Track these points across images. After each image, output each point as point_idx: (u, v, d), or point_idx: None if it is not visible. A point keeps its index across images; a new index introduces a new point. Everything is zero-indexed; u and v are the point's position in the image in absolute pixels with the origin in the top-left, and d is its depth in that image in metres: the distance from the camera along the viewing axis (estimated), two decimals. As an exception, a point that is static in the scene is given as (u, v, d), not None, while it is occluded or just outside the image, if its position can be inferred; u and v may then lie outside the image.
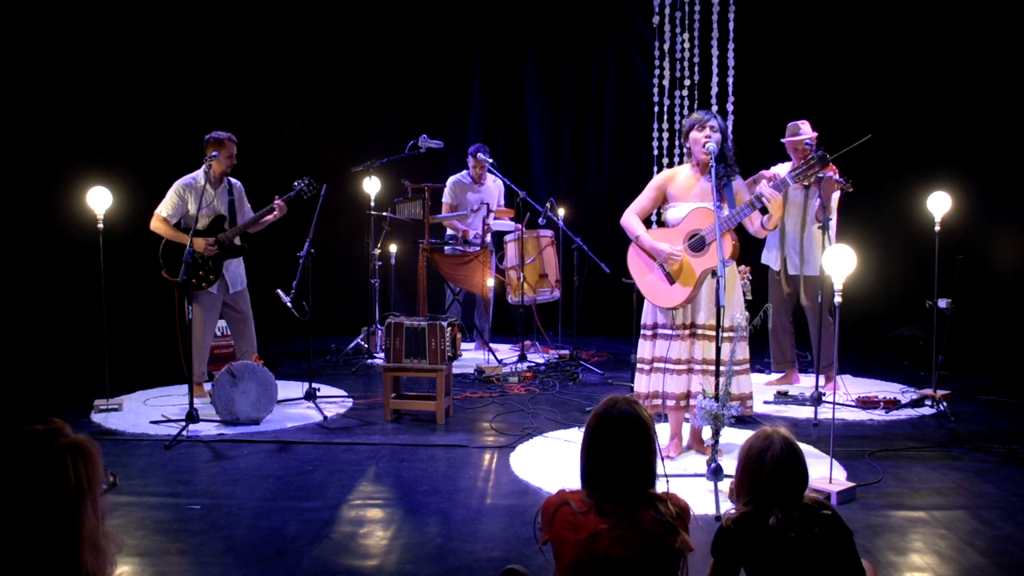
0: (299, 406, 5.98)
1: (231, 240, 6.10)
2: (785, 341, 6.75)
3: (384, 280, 8.16)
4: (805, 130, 6.37)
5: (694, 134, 4.69)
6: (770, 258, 6.71)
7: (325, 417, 5.72)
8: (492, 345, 7.83)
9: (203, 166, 6.02)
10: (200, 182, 6.05)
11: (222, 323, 6.71)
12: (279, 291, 5.91)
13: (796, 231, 6.49)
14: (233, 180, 6.25)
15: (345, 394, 6.40)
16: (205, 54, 8.66)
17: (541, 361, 7.54)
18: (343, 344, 8.08)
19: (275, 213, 6.11)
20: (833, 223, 6.45)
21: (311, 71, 9.13)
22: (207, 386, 6.02)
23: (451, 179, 8.05)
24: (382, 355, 6.56)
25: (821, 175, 5.84)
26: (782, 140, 6.47)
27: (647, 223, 5.00)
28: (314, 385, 6.03)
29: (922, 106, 8.63)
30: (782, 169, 6.43)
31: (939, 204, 6.02)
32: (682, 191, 4.73)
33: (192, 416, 5.42)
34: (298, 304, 5.79)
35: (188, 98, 8.51)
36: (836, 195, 6.19)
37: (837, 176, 6.12)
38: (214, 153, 5.99)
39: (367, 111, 9.20)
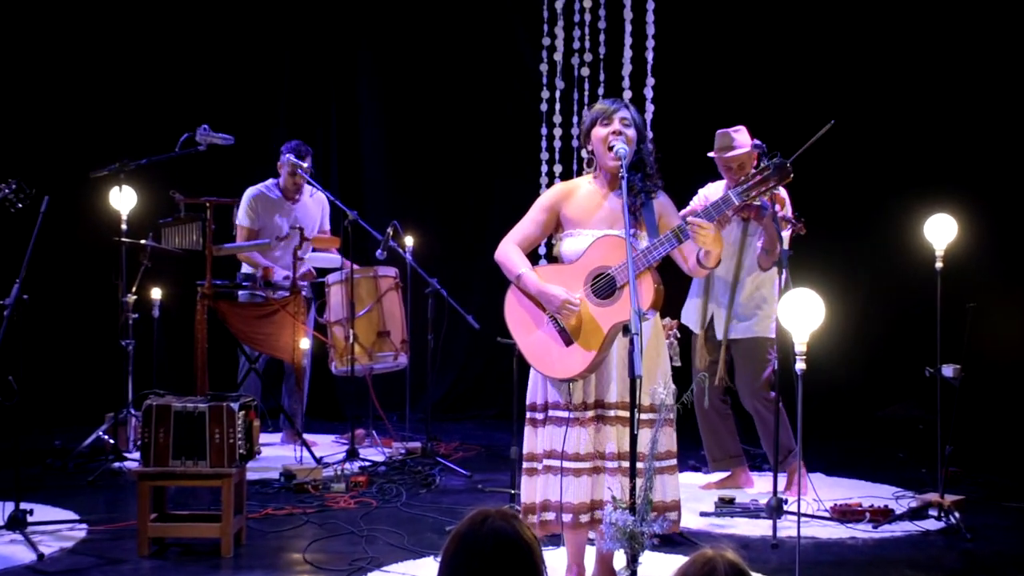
0: (-1, 538, 5.76)
1: None
2: (721, 429, 6.91)
3: (143, 341, 8.00)
4: (741, 142, 6.56)
5: (597, 131, 4.77)
6: (690, 316, 6.90)
7: (40, 556, 5.51)
8: (307, 436, 7.82)
9: None
10: None
11: None
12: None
13: (728, 280, 6.70)
14: None
15: (76, 518, 6.22)
16: None
17: (380, 459, 7.60)
18: (75, 440, 7.83)
19: None
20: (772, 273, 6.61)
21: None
22: None
23: (250, 192, 8.09)
24: (137, 455, 6.37)
25: (758, 203, 5.97)
26: (709, 155, 6.67)
27: (534, 258, 5.05)
28: (24, 506, 5.81)
29: (913, 99, 9.03)
30: (714, 191, 6.65)
31: (941, 231, 6.23)
32: (582, 213, 4.80)
33: None
34: (1, 380, 5.62)
35: None
36: (786, 234, 6.34)
37: (787, 211, 6.31)
38: None
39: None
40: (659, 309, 4.69)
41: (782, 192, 6.40)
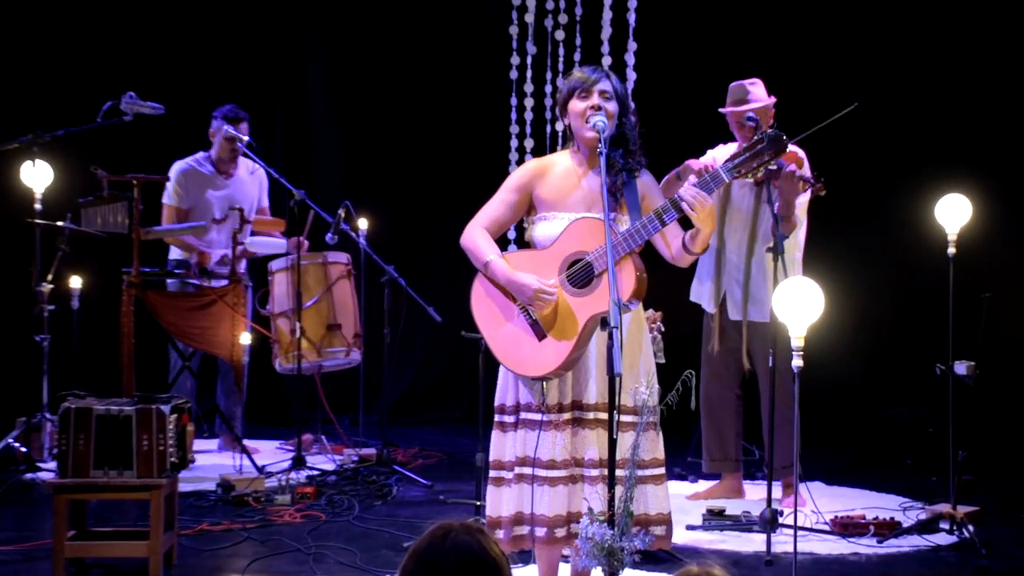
0: None
1: None
2: (727, 426, 6.95)
3: (60, 336, 7.99)
4: (757, 95, 6.57)
5: (575, 104, 4.78)
6: (702, 293, 6.90)
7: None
8: (248, 442, 7.82)
9: None
10: None
11: None
12: None
13: (742, 253, 6.70)
14: None
15: (-18, 536, 6.19)
16: None
17: (330, 467, 7.60)
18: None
19: None
20: (797, 243, 6.66)
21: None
22: None
23: (177, 167, 8.05)
24: (53, 465, 6.32)
25: (774, 166, 5.99)
26: (721, 110, 6.65)
27: (503, 244, 5.04)
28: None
29: (923, 71, 9.09)
30: (723, 154, 6.59)
31: (954, 212, 6.28)
32: (558, 194, 4.82)
33: None
34: None
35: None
36: (803, 199, 6.38)
37: (805, 170, 6.31)
38: None
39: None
40: (642, 299, 4.68)
41: (799, 151, 6.44)
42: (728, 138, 6.77)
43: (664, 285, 7.16)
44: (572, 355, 4.62)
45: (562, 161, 4.88)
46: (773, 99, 6.56)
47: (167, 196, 8.00)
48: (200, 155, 8.11)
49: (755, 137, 4.57)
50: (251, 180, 8.27)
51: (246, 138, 7.87)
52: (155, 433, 5.51)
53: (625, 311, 4.36)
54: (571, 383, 4.72)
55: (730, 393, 6.91)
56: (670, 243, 4.74)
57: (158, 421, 5.52)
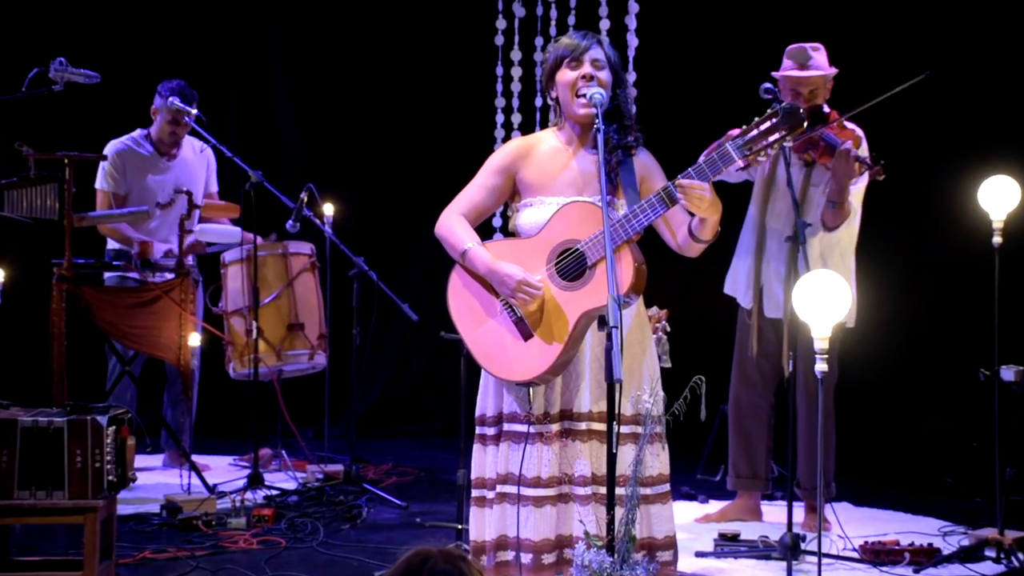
0: None
1: None
2: (758, 440, 6.94)
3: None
4: (819, 62, 6.53)
5: (564, 74, 4.83)
6: (737, 285, 6.87)
7: None
8: (197, 458, 7.79)
9: None
10: None
11: None
12: None
13: (784, 243, 6.59)
14: None
15: None
16: None
17: (291, 486, 7.59)
18: None
19: None
20: (851, 236, 6.69)
21: None
22: None
23: (112, 146, 8.02)
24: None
25: (827, 137, 6.00)
26: (775, 74, 6.58)
27: (487, 234, 5.16)
28: None
29: (964, 41, 9.04)
30: None
31: (999, 196, 6.27)
32: (544, 176, 4.87)
33: None
34: None
35: None
36: (860, 184, 6.39)
37: (863, 151, 6.31)
38: None
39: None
40: (641, 293, 4.72)
41: (858, 130, 6.45)
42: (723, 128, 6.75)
43: (669, 278, 7.18)
44: (562, 357, 4.66)
45: (548, 140, 4.95)
46: (834, 70, 6.53)
47: (100, 180, 7.94)
48: (138, 133, 8.06)
49: (770, 110, 4.60)
50: (198, 161, 8.23)
51: (194, 110, 7.76)
52: (90, 448, 5.44)
53: (624, 307, 4.38)
54: (559, 390, 4.77)
55: (763, 402, 6.89)
56: (676, 230, 4.80)
57: (94, 434, 5.46)
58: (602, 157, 4.53)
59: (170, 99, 7.81)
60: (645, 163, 4.87)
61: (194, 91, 7.97)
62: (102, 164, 7.90)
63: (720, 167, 4.59)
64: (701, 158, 4.67)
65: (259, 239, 7.71)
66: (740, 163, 4.62)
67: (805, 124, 4.63)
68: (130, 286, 7.68)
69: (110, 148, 7.99)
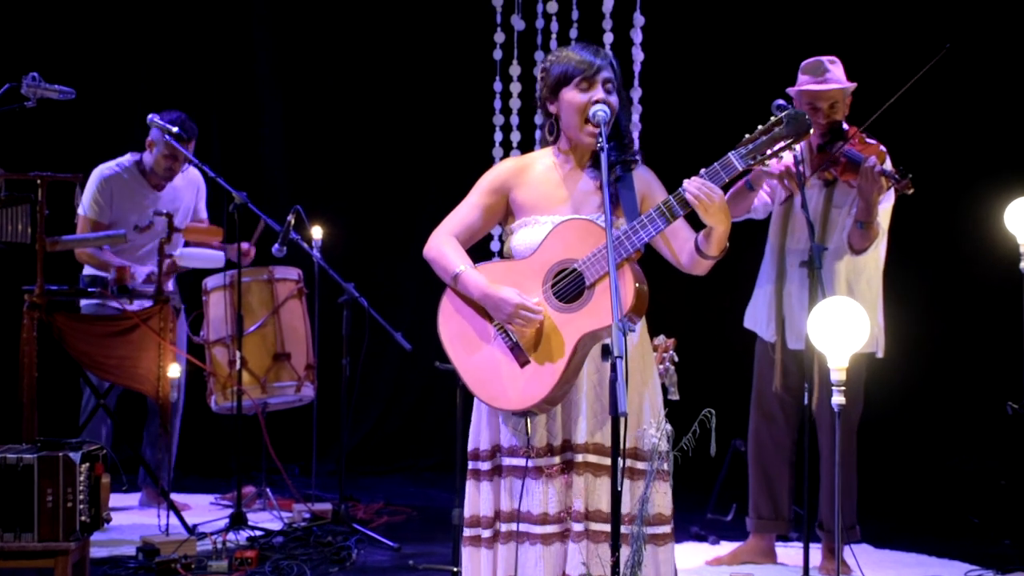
0: None
1: None
2: (780, 479, 6.89)
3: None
4: (836, 75, 6.53)
5: (572, 95, 4.77)
6: (758, 317, 6.86)
7: None
8: (176, 497, 7.75)
9: None
10: None
11: None
12: None
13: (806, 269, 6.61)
14: None
15: None
16: None
17: (276, 527, 7.54)
18: None
19: None
20: (877, 261, 6.69)
21: None
22: None
23: (100, 171, 8.10)
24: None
25: (851, 153, 6.08)
26: (791, 90, 6.62)
27: (485, 258, 5.11)
28: None
29: (987, 50, 9.07)
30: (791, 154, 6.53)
31: None
32: (539, 197, 4.86)
33: None
34: None
35: None
36: (886, 204, 6.40)
37: (887, 165, 6.28)
38: None
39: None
40: (642, 316, 4.65)
41: (880, 145, 6.44)
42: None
43: (677, 304, 7.11)
44: (561, 383, 4.62)
45: (543, 159, 4.94)
46: (853, 84, 6.54)
47: (84, 206, 7.92)
48: (128, 159, 8.08)
49: (773, 119, 4.58)
50: (187, 187, 8.27)
51: (189, 164, 7.90)
52: (62, 486, 5.54)
53: (629, 330, 4.32)
54: (560, 419, 4.71)
55: (785, 439, 6.85)
56: (680, 248, 4.78)
57: (66, 471, 5.56)
58: (605, 179, 4.49)
59: (174, 130, 7.77)
60: (646, 179, 4.83)
61: (194, 125, 8.02)
62: (88, 188, 7.98)
63: (723, 176, 4.55)
64: (703, 171, 4.64)
65: (250, 247, 7.78)
66: (741, 168, 4.56)
67: (811, 130, 4.62)
68: (107, 314, 7.67)
69: (97, 173, 8.05)
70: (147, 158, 8.02)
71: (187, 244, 8.04)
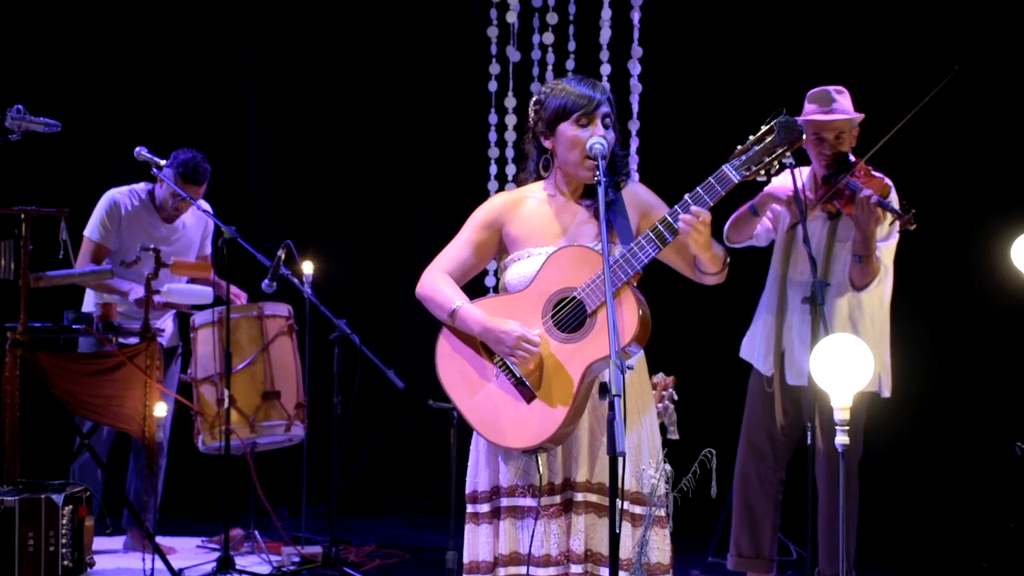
0: None
1: None
2: (764, 517, 6.84)
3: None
4: (843, 105, 6.53)
5: (570, 130, 4.75)
6: (755, 349, 6.85)
7: None
8: (162, 540, 7.72)
9: None
10: None
11: None
12: None
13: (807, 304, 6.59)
14: None
15: None
16: None
17: (265, 571, 7.52)
18: None
19: None
20: (881, 299, 6.70)
21: None
22: None
23: (112, 195, 8.12)
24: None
25: (850, 183, 6.10)
26: (799, 119, 6.49)
27: (470, 291, 5.06)
28: None
29: (985, 82, 9.02)
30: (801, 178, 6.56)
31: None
32: (532, 229, 4.86)
33: None
34: None
35: None
36: (890, 241, 6.45)
37: (892, 200, 6.27)
38: None
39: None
40: (644, 344, 4.60)
41: (886, 179, 6.41)
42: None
43: (676, 340, 7.08)
44: (571, 416, 4.58)
45: (535, 193, 4.92)
46: (861, 115, 6.53)
47: (91, 228, 7.99)
48: (142, 187, 8.10)
49: (764, 140, 4.57)
50: (194, 224, 8.29)
51: (203, 209, 7.90)
52: (44, 530, 5.84)
53: (625, 357, 4.30)
54: (561, 458, 4.68)
55: (773, 476, 6.81)
56: (689, 260, 4.80)
57: (48, 514, 5.81)
58: (603, 214, 4.46)
59: (188, 171, 7.84)
60: (639, 195, 4.82)
61: (208, 167, 7.99)
62: (97, 211, 8.03)
63: (719, 191, 4.54)
64: (698, 188, 4.63)
65: (235, 289, 7.80)
66: (736, 180, 4.56)
67: (804, 136, 4.57)
68: (95, 351, 7.65)
69: (109, 197, 8.08)
70: (158, 191, 8.04)
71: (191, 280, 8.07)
